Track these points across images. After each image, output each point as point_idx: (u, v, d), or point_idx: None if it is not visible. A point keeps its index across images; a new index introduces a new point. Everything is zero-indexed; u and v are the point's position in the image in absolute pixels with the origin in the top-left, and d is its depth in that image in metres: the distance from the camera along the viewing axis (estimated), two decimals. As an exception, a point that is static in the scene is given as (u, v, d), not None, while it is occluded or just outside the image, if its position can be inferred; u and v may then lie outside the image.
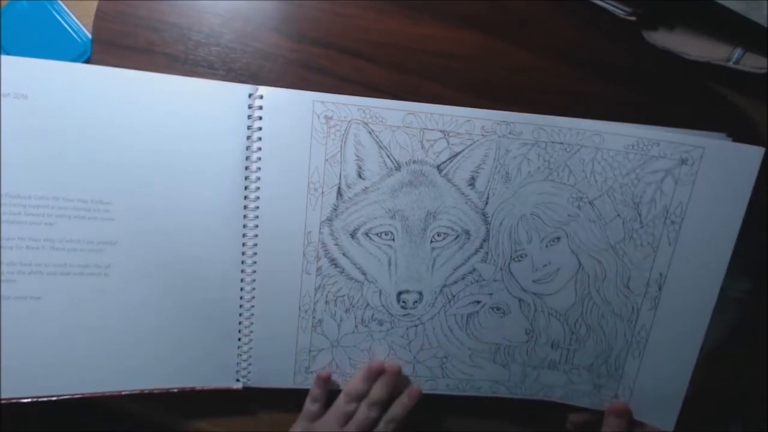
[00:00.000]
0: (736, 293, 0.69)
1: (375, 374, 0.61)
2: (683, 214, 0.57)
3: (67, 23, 0.59)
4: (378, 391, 0.61)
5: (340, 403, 0.61)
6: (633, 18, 0.60)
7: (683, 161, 0.56)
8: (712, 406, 0.64)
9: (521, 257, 0.60)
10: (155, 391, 0.58)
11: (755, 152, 0.55)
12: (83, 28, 0.60)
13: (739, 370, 0.71)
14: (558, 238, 0.59)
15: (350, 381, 0.62)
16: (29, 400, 0.55)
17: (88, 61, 0.59)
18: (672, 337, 0.60)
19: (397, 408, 0.61)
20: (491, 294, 0.60)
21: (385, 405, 0.61)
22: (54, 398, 0.56)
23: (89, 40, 0.59)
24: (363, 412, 0.60)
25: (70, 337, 0.55)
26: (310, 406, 0.62)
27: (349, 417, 0.61)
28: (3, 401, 0.54)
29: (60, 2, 0.59)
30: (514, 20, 0.62)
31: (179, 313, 0.58)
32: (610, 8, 0.61)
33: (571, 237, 0.59)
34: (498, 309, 0.61)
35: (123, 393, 0.58)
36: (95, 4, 0.58)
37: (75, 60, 0.59)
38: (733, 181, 0.56)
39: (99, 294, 0.55)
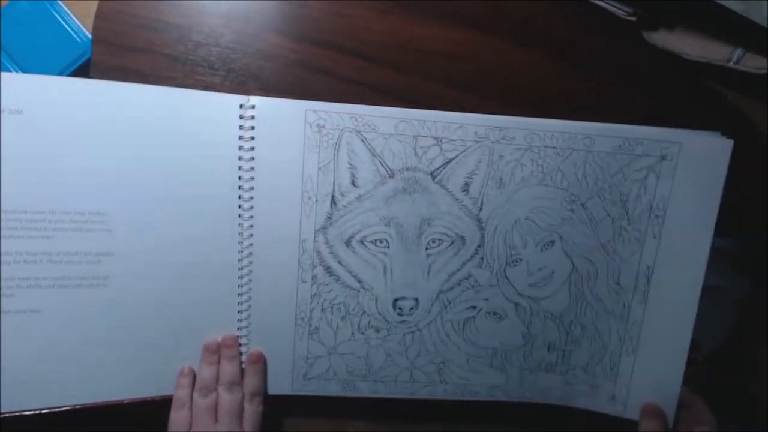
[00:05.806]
0: (736, 293, 0.69)
1: (214, 353, 0.58)
2: (665, 208, 0.59)
3: (67, 23, 0.59)
4: (228, 369, 0.58)
5: (199, 400, 0.57)
6: (633, 18, 0.60)
7: (663, 157, 0.58)
8: (712, 406, 0.64)
9: (516, 262, 0.60)
10: (156, 399, 0.59)
11: (726, 144, 0.57)
12: (83, 28, 0.60)
13: (739, 370, 0.71)
14: (552, 242, 0.60)
15: (199, 374, 0.59)
16: (30, 413, 0.55)
17: (87, 62, 0.59)
18: (663, 330, 0.61)
19: (250, 379, 0.59)
20: (487, 299, 0.60)
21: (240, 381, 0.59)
22: (56, 410, 0.56)
23: (89, 40, 0.59)
24: (226, 398, 0.57)
25: (70, 349, 0.56)
26: (176, 414, 0.57)
27: (214, 410, 0.58)
28: (5, 414, 0.55)
29: (60, 2, 0.59)
30: (513, 20, 0.62)
31: (178, 321, 0.58)
32: (610, 8, 0.60)
33: (565, 240, 0.60)
34: (494, 314, 0.61)
35: (124, 402, 0.58)
36: (95, 4, 0.58)
37: (75, 60, 0.60)
38: (708, 173, 0.58)
39: (98, 305, 0.55)
